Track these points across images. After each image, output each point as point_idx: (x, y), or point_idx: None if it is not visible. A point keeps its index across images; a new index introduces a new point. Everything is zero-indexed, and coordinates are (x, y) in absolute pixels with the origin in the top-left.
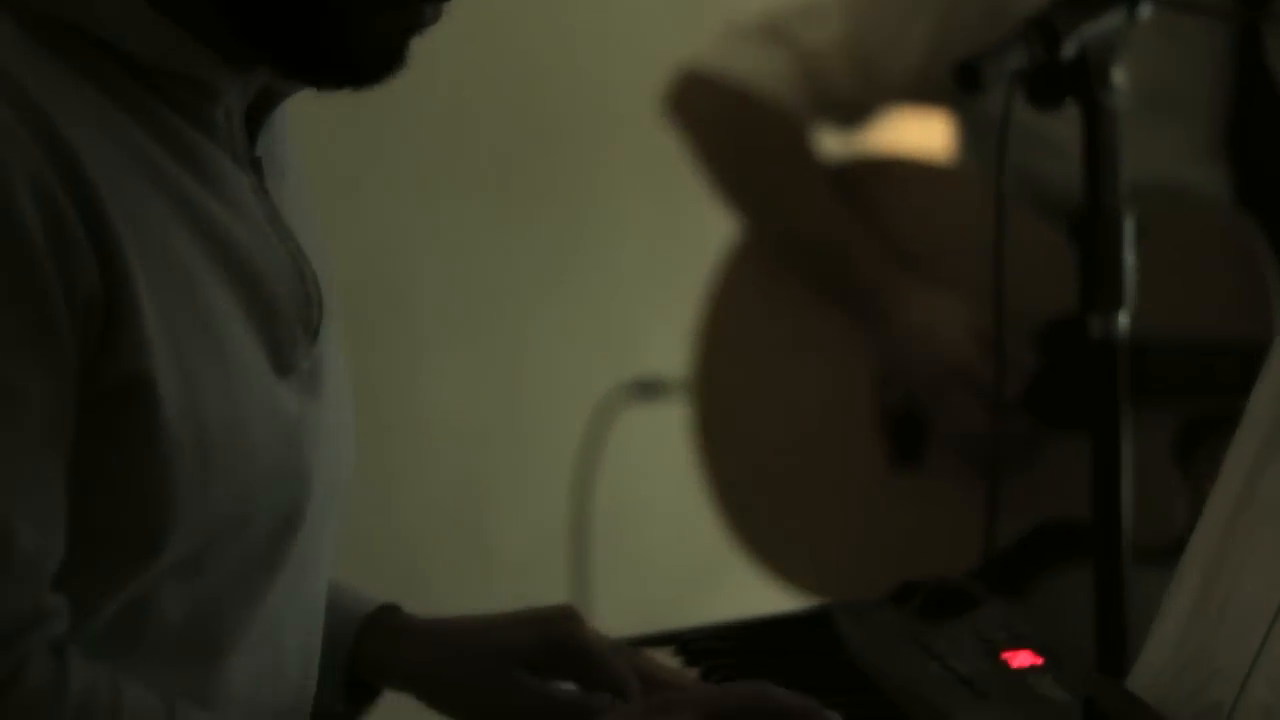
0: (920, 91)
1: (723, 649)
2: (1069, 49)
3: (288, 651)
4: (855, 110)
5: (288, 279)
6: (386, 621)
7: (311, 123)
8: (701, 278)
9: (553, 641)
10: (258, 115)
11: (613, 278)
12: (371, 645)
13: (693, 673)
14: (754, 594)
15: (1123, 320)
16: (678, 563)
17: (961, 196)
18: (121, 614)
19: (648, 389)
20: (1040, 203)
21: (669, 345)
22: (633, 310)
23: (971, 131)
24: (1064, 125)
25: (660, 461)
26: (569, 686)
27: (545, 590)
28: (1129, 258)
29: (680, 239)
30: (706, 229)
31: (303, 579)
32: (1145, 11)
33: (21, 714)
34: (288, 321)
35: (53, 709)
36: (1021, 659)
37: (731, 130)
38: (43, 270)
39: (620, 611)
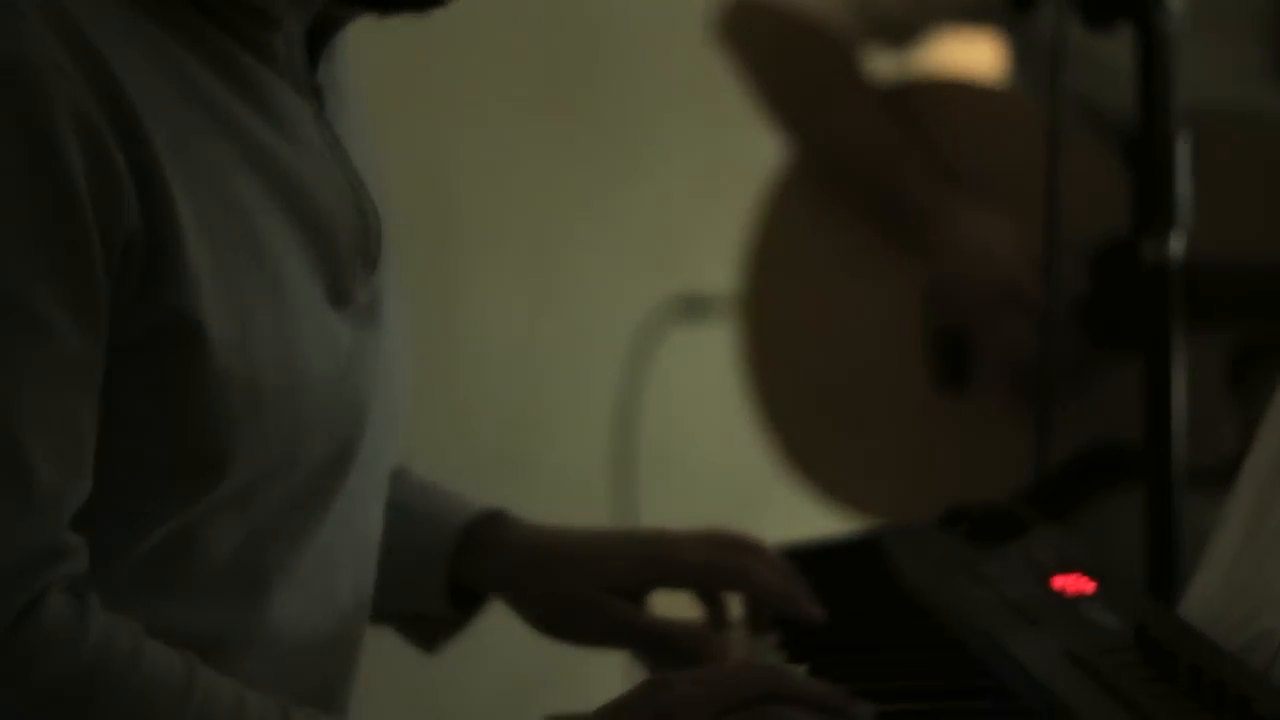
0: (971, 11)
1: None
2: None
3: (338, 586)
4: (906, 31)
5: (346, 210)
6: (487, 531)
7: (356, 35)
8: (747, 194)
9: (654, 579)
10: (318, 42)
11: (659, 194)
12: (471, 555)
13: None
14: (802, 517)
15: (1176, 244)
16: (725, 485)
17: (1012, 118)
18: (167, 549)
19: (694, 306)
20: (1091, 125)
21: (715, 262)
22: (679, 227)
23: (1023, 53)
24: (1116, 47)
25: (707, 380)
26: None
27: (589, 515)
28: (1183, 181)
29: (727, 154)
30: (753, 144)
31: (356, 513)
32: None
33: (36, 652)
34: (346, 254)
35: (69, 650)
36: (1072, 584)
37: (782, 52)
38: (81, 208)
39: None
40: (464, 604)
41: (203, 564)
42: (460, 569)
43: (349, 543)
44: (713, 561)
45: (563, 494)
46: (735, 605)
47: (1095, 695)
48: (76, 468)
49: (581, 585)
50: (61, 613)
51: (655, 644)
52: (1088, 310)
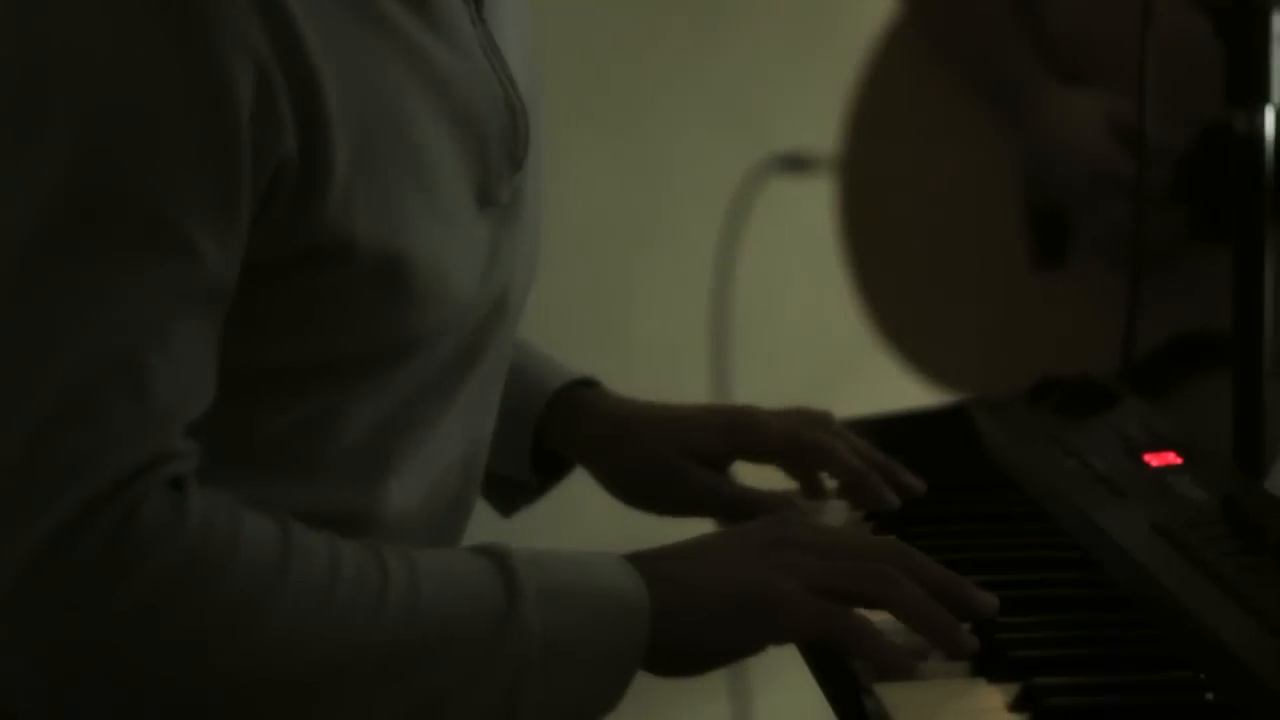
0: None
1: None
2: None
3: (451, 466)
4: None
5: (499, 114)
6: (578, 397)
7: None
8: (845, 53)
9: (735, 449)
10: None
11: (753, 56)
12: (557, 419)
13: None
14: (893, 384)
15: (1269, 116)
16: (819, 343)
17: None
18: (299, 433)
19: (793, 163)
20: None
21: (813, 122)
22: (775, 88)
23: None
24: None
25: (805, 236)
26: None
27: (686, 379)
28: (1277, 53)
29: (822, 13)
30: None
31: (478, 396)
32: None
33: (138, 552)
34: (495, 157)
35: (169, 546)
36: (1160, 458)
37: None
38: (239, 134)
39: (759, 399)
40: (546, 470)
41: (333, 447)
42: (547, 433)
43: (465, 425)
44: (793, 433)
45: (661, 352)
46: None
47: (1182, 568)
48: (196, 385)
49: (664, 452)
50: (162, 511)
51: (737, 512)
52: (1184, 194)
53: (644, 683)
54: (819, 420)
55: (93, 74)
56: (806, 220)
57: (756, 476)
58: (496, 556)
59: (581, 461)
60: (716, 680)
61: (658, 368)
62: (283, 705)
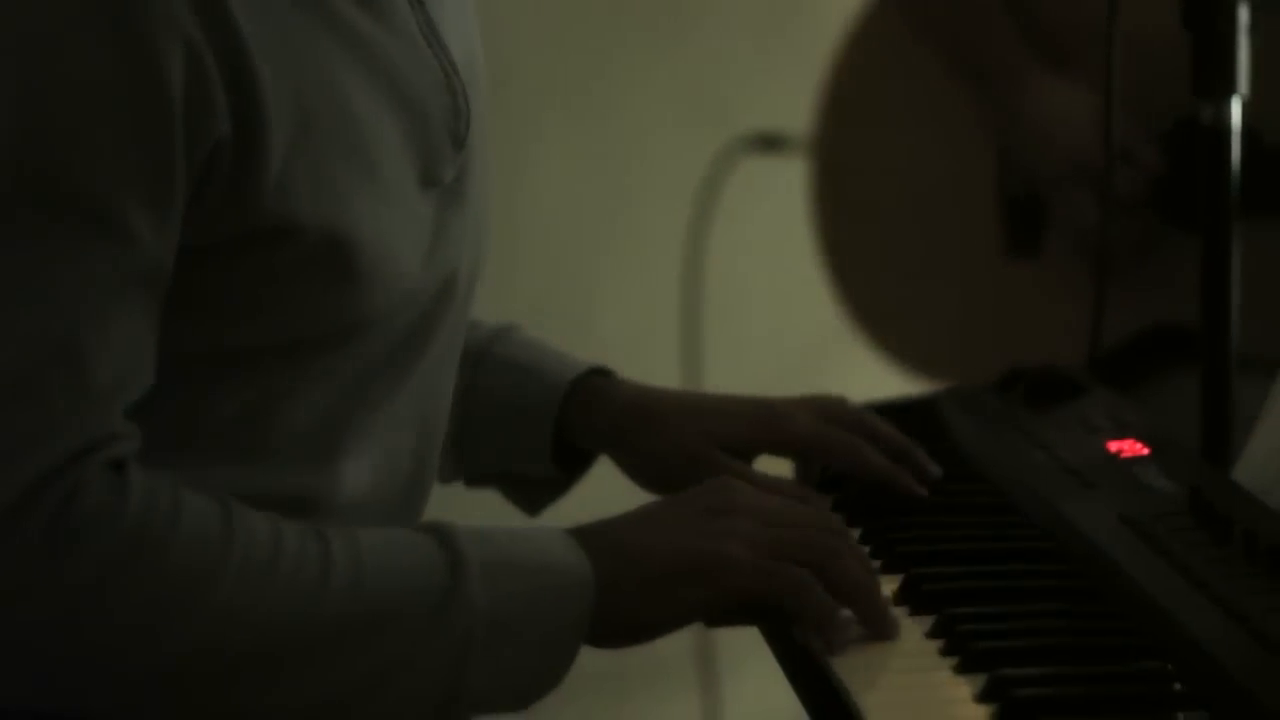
0: None
1: None
2: None
3: (403, 451)
4: None
5: (439, 95)
6: (595, 387)
7: None
8: (816, 33)
9: (763, 442)
10: None
11: (720, 41)
12: (578, 411)
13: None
14: (867, 371)
15: (1235, 109)
16: (789, 336)
17: None
18: (250, 415)
19: (766, 143)
20: None
21: (784, 104)
22: (743, 71)
23: None
24: None
25: (775, 221)
26: None
27: (657, 367)
28: (1243, 45)
29: None
30: None
31: (430, 379)
32: None
33: (80, 534)
34: (437, 138)
35: (112, 525)
36: (1128, 449)
37: None
38: (173, 118)
39: (730, 386)
40: (568, 464)
41: (283, 429)
42: (566, 426)
43: (419, 408)
44: (824, 434)
45: (630, 339)
46: None
47: (1149, 558)
48: (135, 367)
49: (692, 440)
50: (103, 493)
51: None
52: (1161, 184)
53: (615, 670)
54: (837, 409)
55: (23, 60)
56: (778, 202)
57: (768, 466)
58: (439, 533)
59: (605, 450)
60: (687, 671)
61: (627, 356)
62: (230, 679)
